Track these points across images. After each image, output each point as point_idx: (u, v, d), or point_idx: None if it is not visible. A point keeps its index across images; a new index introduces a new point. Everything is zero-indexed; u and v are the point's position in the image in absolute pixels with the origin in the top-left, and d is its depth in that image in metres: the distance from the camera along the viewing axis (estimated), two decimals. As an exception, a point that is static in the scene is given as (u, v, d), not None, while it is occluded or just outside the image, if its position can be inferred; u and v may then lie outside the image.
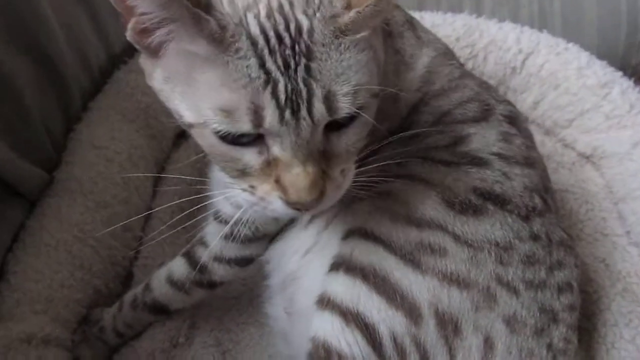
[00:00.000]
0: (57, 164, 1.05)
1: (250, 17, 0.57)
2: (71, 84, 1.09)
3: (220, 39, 0.56)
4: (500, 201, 0.75)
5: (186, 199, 0.78)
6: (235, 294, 1.04)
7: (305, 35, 0.57)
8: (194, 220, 0.81)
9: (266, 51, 0.56)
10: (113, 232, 0.99)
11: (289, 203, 0.61)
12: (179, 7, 0.54)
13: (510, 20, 1.30)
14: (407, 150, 0.80)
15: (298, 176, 0.59)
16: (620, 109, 1.16)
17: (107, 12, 1.17)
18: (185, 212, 0.80)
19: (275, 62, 0.56)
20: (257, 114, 0.56)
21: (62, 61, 1.05)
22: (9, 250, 0.94)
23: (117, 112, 1.14)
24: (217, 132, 0.58)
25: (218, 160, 0.65)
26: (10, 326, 0.86)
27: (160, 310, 0.96)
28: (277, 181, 0.60)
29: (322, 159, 0.61)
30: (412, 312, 0.68)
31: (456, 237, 0.71)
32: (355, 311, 0.69)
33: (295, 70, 0.57)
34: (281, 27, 0.57)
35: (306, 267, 0.82)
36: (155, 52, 0.61)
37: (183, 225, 0.79)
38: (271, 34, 0.57)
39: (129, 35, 0.60)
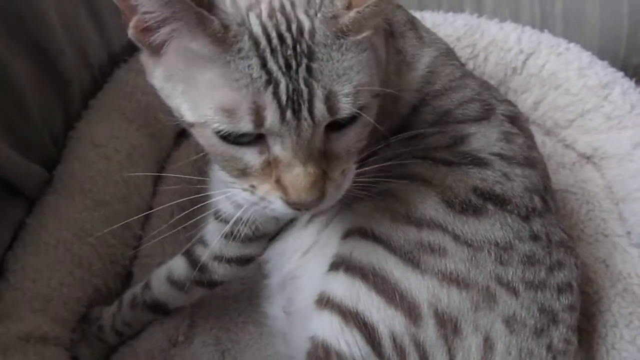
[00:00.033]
0: (56, 162, 1.05)
1: (253, 17, 0.57)
2: (71, 82, 1.09)
3: (223, 39, 0.56)
4: (501, 201, 0.75)
5: (186, 198, 0.78)
6: (234, 293, 1.04)
7: (306, 36, 0.57)
8: (194, 220, 0.81)
9: (268, 51, 0.56)
10: (112, 231, 0.99)
11: (289, 203, 0.61)
12: (183, 6, 0.54)
13: (512, 20, 1.30)
14: (407, 150, 0.80)
15: (298, 176, 0.59)
16: (621, 110, 1.16)
17: (107, 10, 1.17)
18: (185, 212, 0.80)
19: (277, 62, 0.56)
20: (258, 114, 0.56)
21: (63, 59, 1.05)
22: (9, 249, 0.94)
23: (117, 111, 1.14)
24: (217, 132, 0.58)
25: (218, 160, 0.65)
26: (9, 325, 0.86)
27: (159, 309, 0.96)
28: (278, 181, 0.60)
29: (322, 159, 0.61)
30: (411, 312, 0.68)
31: (456, 237, 0.71)
32: (355, 311, 0.69)
33: (297, 71, 0.57)
34: (283, 27, 0.57)
35: (305, 267, 0.82)
36: (156, 50, 0.61)
37: (183, 225, 0.79)
38: (273, 34, 0.57)
39: (130, 33, 0.60)
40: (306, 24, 0.58)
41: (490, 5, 1.35)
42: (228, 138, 0.59)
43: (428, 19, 1.28)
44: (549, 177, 0.86)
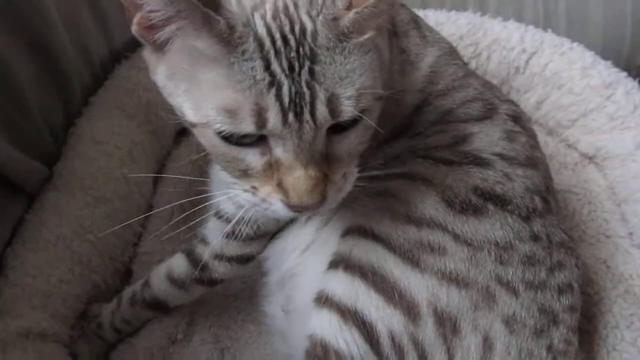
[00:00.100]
0: (57, 158, 1.05)
1: (257, 18, 0.57)
2: (72, 78, 1.09)
3: (228, 40, 0.56)
4: (501, 201, 0.74)
5: (187, 200, 0.78)
6: (234, 292, 1.04)
7: (309, 38, 0.57)
8: (195, 221, 0.81)
9: (272, 53, 0.56)
10: (112, 228, 0.99)
11: (290, 206, 0.61)
12: (188, 5, 0.54)
13: (515, 19, 1.29)
14: (408, 149, 0.79)
15: (299, 179, 0.59)
16: (624, 110, 1.15)
17: (109, 6, 1.17)
18: (186, 213, 0.79)
19: (281, 64, 0.56)
20: (260, 116, 0.56)
21: (64, 55, 1.04)
22: (8, 245, 0.94)
23: (118, 107, 1.14)
24: (219, 133, 0.58)
25: (220, 161, 0.65)
26: (8, 321, 0.86)
27: (159, 307, 0.96)
28: (279, 184, 0.60)
29: (324, 162, 0.61)
30: (410, 311, 0.68)
31: (456, 237, 0.71)
32: (354, 309, 0.69)
33: (300, 73, 0.57)
34: (287, 29, 0.57)
35: (304, 265, 0.82)
36: (160, 47, 0.61)
37: (184, 227, 0.79)
38: (277, 35, 0.57)
39: (134, 29, 0.59)
40: (308, 26, 0.58)
41: (493, 4, 1.35)
42: (230, 139, 0.59)
43: (431, 17, 1.28)
44: (551, 177, 0.85)
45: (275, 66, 0.56)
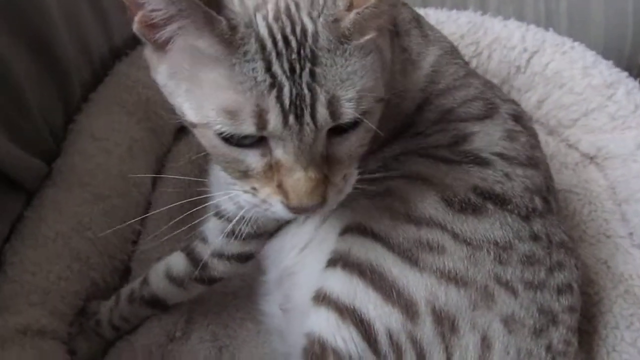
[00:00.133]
0: (56, 155, 1.05)
1: (259, 18, 0.57)
2: (72, 75, 1.08)
3: (230, 40, 0.55)
4: (501, 201, 0.74)
5: (186, 200, 0.77)
6: (233, 290, 1.04)
7: (310, 40, 0.57)
8: (195, 222, 0.81)
9: (274, 55, 0.56)
10: (111, 225, 0.99)
11: (290, 207, 0.61)
12: (190, 4, 0.54)
13: (516, 18, 1.29)
14: (408, 148, 0.79)
15: (299, 181, 0.59)
16: (625, 110, 1.15)
17: (110, 3, 1.17)
18: (186, 213, 0.79)
19: (282, 66, 0.56)
20: (261, 117, 0.56)
21: (63, 52, 1.04)
22: (7, 242, 0.94)
23: (118, 104, 1.14)
24: (220, 134, 0.58)
25: (220, 161, 0.64)
26: (7, 318, 0.86)
27: (157, 305, 0.96)
28: (279, 185, 0.60)
29: (324, 164, 0.61)
30: (408, 309, 0.68)
31: (455, 236, 0.71)
32: (352, 307, 0.69)
33: (300, 75, 0.56)
34: (288, 30, 0.57)
35: (303, 263, 0.81)
36: (162, 46, 0.60)
37: (187, 226, 0.79)
38: (279, 37, 0.57)
39: (135, 28, 0.59)
40: (309, 27, 0.57)
41: (494, 3, 1.34)
42: (230, 140, 0.59)
43: (432, 16, 1.27)
44: (552, 177, 0.85)
45: (276, 68, 0.56)
